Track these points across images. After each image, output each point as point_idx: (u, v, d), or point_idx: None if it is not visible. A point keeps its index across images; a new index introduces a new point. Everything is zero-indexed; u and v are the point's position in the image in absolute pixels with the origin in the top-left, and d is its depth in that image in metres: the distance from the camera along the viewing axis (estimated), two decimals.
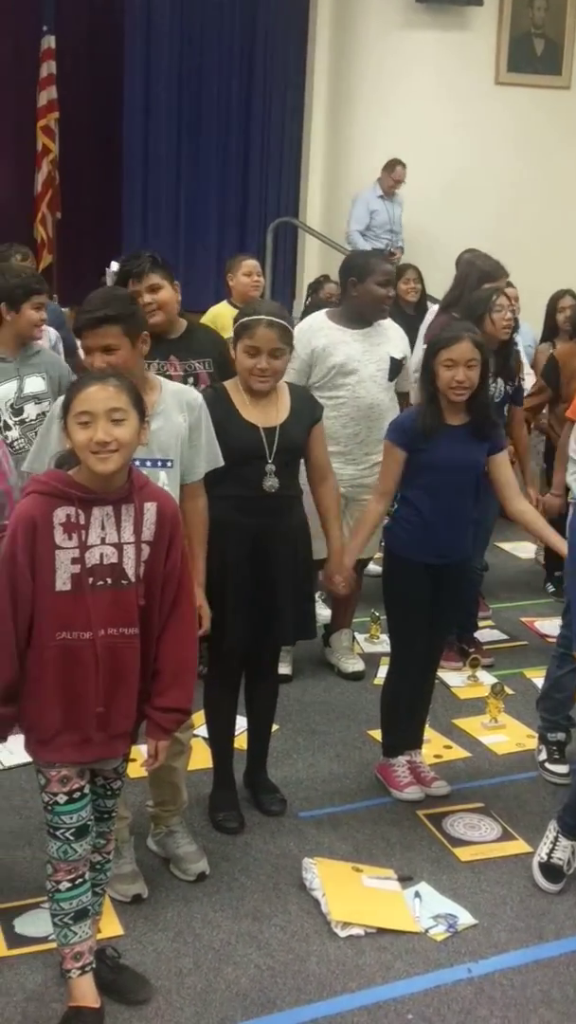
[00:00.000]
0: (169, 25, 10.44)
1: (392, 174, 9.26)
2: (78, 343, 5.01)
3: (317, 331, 4.38)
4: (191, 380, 3.63)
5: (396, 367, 4.47)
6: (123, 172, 10.70)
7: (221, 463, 3.13)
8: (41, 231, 10.28)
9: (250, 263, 6.06)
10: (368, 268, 4.34)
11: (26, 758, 2.65)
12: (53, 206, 10.38)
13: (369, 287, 4.32)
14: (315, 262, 10.64)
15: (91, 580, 2.43)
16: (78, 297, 7.02)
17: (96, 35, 10.64)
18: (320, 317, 4.54)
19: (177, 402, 3.02)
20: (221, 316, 5.92)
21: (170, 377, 3.54)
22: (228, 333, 3.84)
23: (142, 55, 10.44)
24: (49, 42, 10.06)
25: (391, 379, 4.46)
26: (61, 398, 2.69)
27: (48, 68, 10.08)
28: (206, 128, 10.93)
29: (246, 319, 3.28)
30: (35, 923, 2.95)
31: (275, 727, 3.81)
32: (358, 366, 4.34)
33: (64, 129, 10.40)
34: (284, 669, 4.27)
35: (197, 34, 10.67)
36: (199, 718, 3.58)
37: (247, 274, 5.91)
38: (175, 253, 10.36)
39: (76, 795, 2.52)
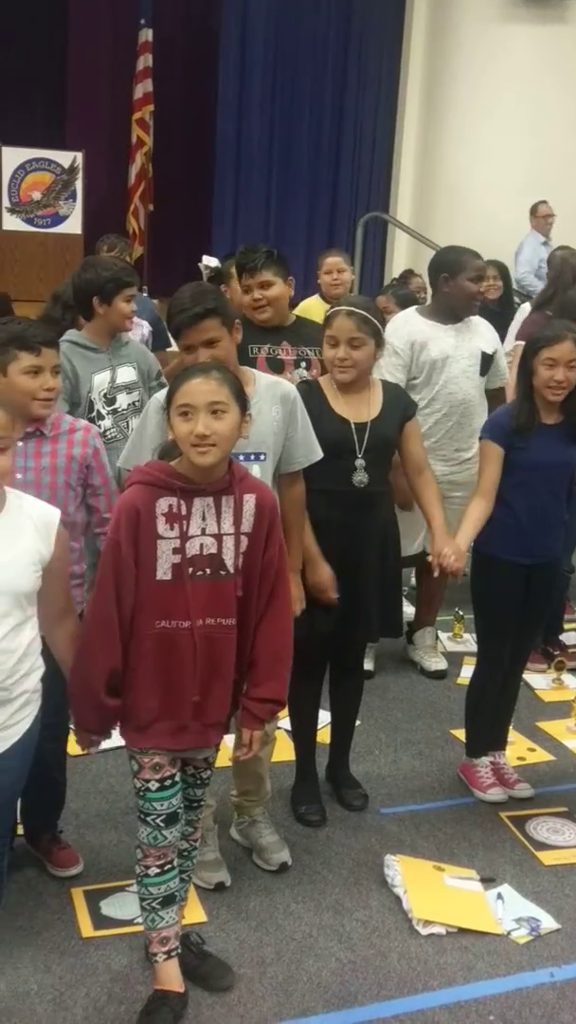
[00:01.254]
0: (265, 19, 10.50)
1: (538, 214, 9.12)
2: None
3: (408, 327, 4.37)
4: (303, 364, 3.66)
5: (487, 362, 4.45)
6: (215, 165, 10.79)
7: (319, 456, 3.13)
8: (133, 223, 10.41)
9: (331, 260, 6.06)
10: (460, 264, 4.33)
11: (113, 743, 2.69)
12: (145, 198, 10.50)
13: (461, 283, 4.31)
14: (403, 257, 10.62)
15: (191, 570, 2.46)
16: (167, 288, 7.08)
17: (192, 29, 10.74)
18: (411, 313, 4.54)
19: (271, 395, 3.03)
20: (311, 310, 5.93)
21: (282, 362, 3.58)
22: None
23: (237, 49, 10.52)
24: (146, 35, 10.18)
25: (482, 374, 4.44)
26: (163, 391, 2.73)
27: (145, 61, 10.20)
28: (298, 122, 10.98)
29: (328, 311, 3.35)
30: (121, 906, 3.00)
31: (357, 723, 3.82)
32: (450, 361, 4.33)
33: (158, 122, 10.50)
34: (367, 665, 4.26)
35: (292, 28, 10.71)
36: (280, 712, 3.60)
37: (328, 272, 5.95)
38: (266, 243, 10.39)
39: (167, 783, 2.55)
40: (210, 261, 5.37)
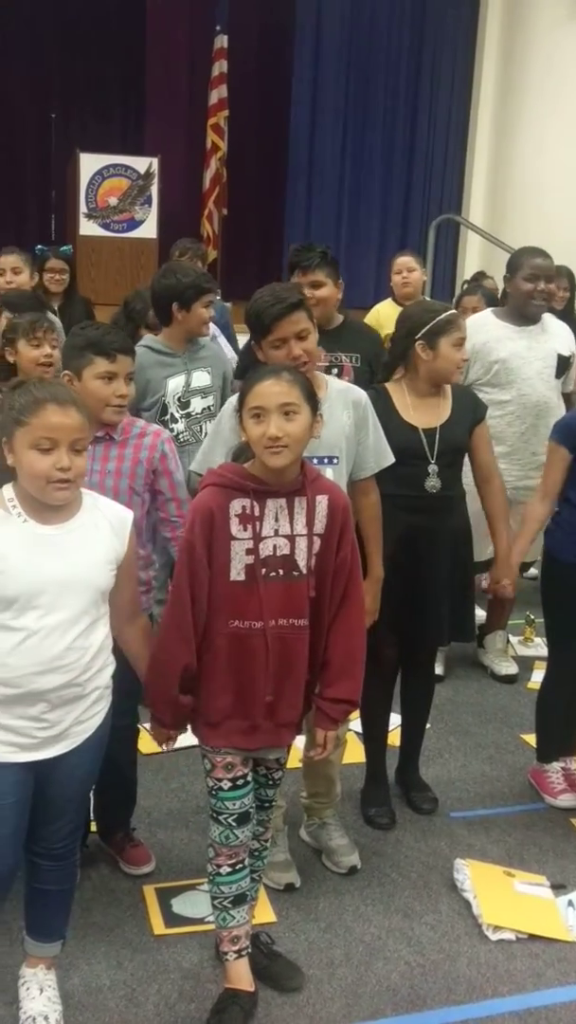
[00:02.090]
0: (339, 23, 10.53)
1: None
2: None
3: (479, 328, 4.35)
4: (335, 372, 3.65)
5: (563, 364, 4.40)
6: (288, 169, 10.81)
7: (390, 460, 3.14)
8: (207, 227, 10.47)
9: (401, 260, 6.07)
10: (517, 263, 4.34)
11: (184, 742, 2.72)
12: (220, 203, 10.56)
13: (517, 282, 4.31)
14: (476, 259, 10.55)
15: (264, 571, 2.48)
16: (241, 292, 7.12)
17: (267, 34, 10.78)
18: (485, 314, 4.54)
19: (343, 400, 3.04)
20: (383, 314, 5.94)
21: None
22: (388, 330, 3.87)
23: (311, 54, 10.55)
24: (222, 41, 10.24)
25: (558, 376, 4.39)
26: (235, 396, 2.76)
27: (220, 67, 10.26)
28: (371, 125, 10.98)
29: (449, 314, 3.31)
30: (192, 904, 3.03)
31: (427, 726, 3.81)
32: (522, 363, 4.30)
33: (232, 127, 10.57)
34: (437, 669, 4.25)
35: (365, 32, 10.71)
36: (353, 712, 3.61)
37: (397, 272, 5.95)
38: (336, 250, 10.36)
39: (240, 782, 2.57)
40: None
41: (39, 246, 6.07)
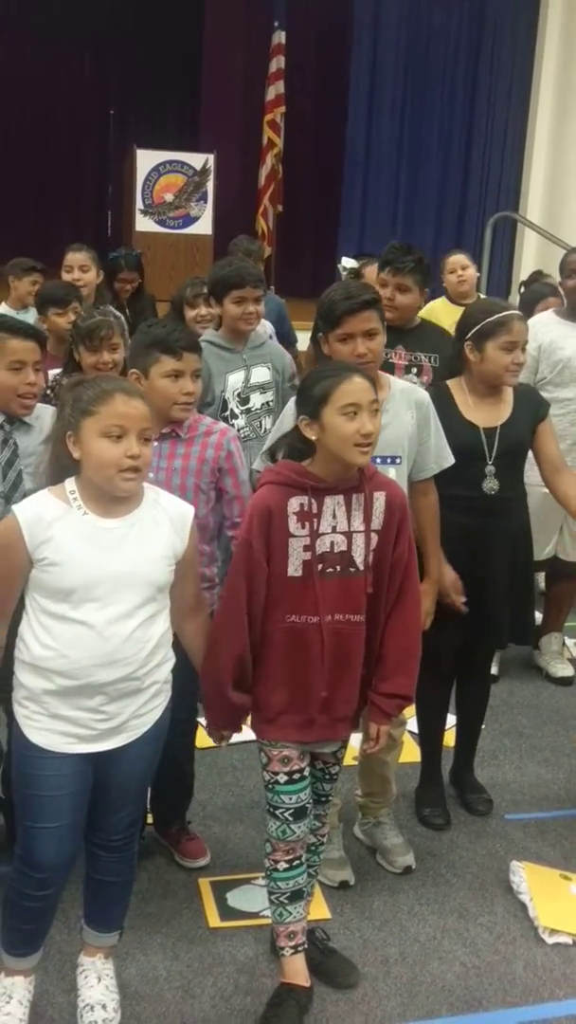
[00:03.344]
0: (396, 19, 10.48)
1: None
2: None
3: (544, 327, 4.33)
4: (414, 371, 3.64)
5: None
6: (344, 166, 10.79)
7: (450, 462, 3.12)
8: (262, 223, 10.50)
9: (454, 259, 6.03)
10: (568, 262, 4.32)
11: (239, 738, 2.72)
12: (275, 199, 10.58)
13: (566, 282, 4.30)
14: (532, 257, 10.45)
15: (321, 567, 2.48)
16: (295, 288, 7.08)
17: (324, 30, 10.77)
18: (547, 313, 4.51)
19: (405, 400, 3.03)
20: (437, 312, 5.90)
21: (393, 365, 3.57)
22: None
23: (368, 49, 10.52)
24: (279, 37, 10.26)
25: None
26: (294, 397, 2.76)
27: (277, 63, 10.28)
28: (428, 122, 10.93)
29: (500, 316, 3.23)
30: (247, 898, 3.04)
31: (482, 727, 3.78)
32: None
33: (288, 123, 10.57)
34: (491, 669, 4.23)
35: (424, 28, 10.66)
36: (409, 711, 3.59)
37: (451, 271, 5.91)
38: None
39: (296, 776, 2.58)
40: (348, 262, 5.42)
41: (112, 253, 6.12)
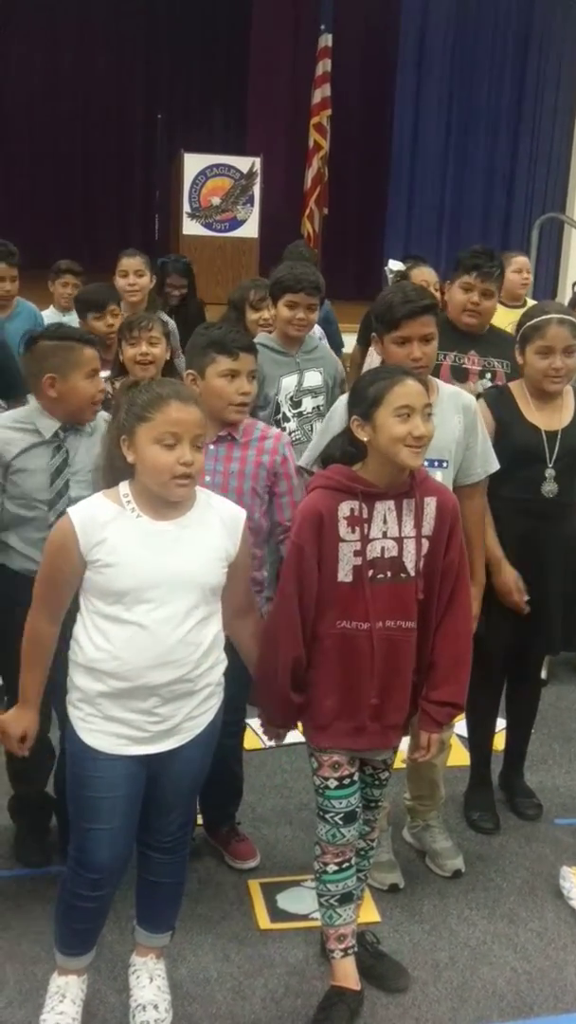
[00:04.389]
0: (444, 21, 10.45)
1: None
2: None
3: None
4: (488, 376, 3.63)
5: None
6: (390, 169, 10.78)
7: (495, 467, 3.12)
8: (308, 226, 10.51)
9: (520, 260, 5.97)
10: None
11: (288, 739, 2.74)
12: (320, 202, 10.59)
13: None
14: None
15: (371, 573, 2.48)
16: (340, 291, 7.07)
17: (371, 33, 10.77)
18: None
19: (453, 404, 3.03)
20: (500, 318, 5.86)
21: (467, 371, 3.56)
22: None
23: (415, 52, 10.51)
24: (326, 40, 10.27)
25: None
26: (344, 396, 2.76)
27: (324, 66, 10.29)
28: (475, 124, 10.89)
29: (536, 320, 3.23)
30: (297, 900, 3.06)
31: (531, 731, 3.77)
32: None
33: (335, 126, 10.57)
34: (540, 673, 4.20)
35: (471, 30, 10.61)
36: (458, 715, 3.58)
37: (517, 271, 5.83)
38: (436, 249, 10.37)
39: (346, 781, 2.58)
40: (395, 265, 5.40)
41: (161, 259, 6.17)
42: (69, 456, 2.88)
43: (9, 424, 2.92)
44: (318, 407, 3.87)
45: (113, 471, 2.38)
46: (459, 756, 3.65)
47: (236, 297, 4.61)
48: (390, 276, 5.42)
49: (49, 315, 5.54)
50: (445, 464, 2.99)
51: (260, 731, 2.76)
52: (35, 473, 2.85)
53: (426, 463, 2.88)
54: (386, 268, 5.76)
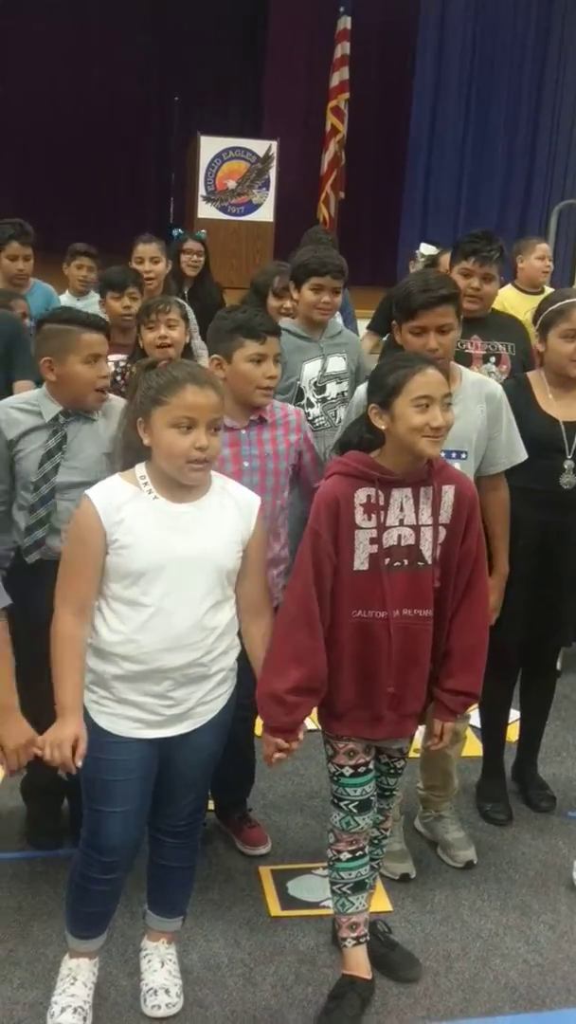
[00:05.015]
0: (465, 4, 10.35)
1: None
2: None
3: None
4: (492, 359, 3.60)
5: None
6: (407, 153, 10.71)
7: (522, 457, 3.08)
8: (324, 211, 10.46)
9: (543, 246, 5.92)
10: None
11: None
12: (337, 186, 10.53)
13: None
14: None
15: (388, 561, 2.46)
16: (356, 277, 7.06)
17: (391, 16, 10.68)
18: None
19: (476, 392, 3.00)
20: (505, 300, 5.82)
21: (470, 356, 3.53)
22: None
23: (435, 35, 10.43)
24: (345, 23, 10.20)
25: None
26: (365, 383, 2.73)
27: (342, 49, 10.23)
28: (495, 109, 10.82)
29: (560, 304, 3.20)
30: (308, 888, 3.05)
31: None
32: None
33: (352, 110, 10.51)
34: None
35: (492, 12, 10.53)
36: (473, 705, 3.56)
37: (540, 257, 5.79)
38: (453, 234, 10.27)
39: (361, 769, 2.57)
40: (427, 248, 5.37)
41: (176, 230, 6.13)
42: (67, 441, 2.86)
43: (16, 405, 2.94)
44: (342, 393, 3.83)
45: (130, 452, 2.36)
46: (472, 747, 3.63)
47: (259, 281, 4.56)
48: (420, 260, 5.39)
49: (65, 299, 5.52)
50: (464, 455, 2.95)
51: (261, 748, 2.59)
52: (30, 455, 2.86)
53: (444, 454, 2.85)
54: (418, 251, 5.73)
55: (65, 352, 2.83)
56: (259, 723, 3.19)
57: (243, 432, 2.85)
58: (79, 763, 2.30)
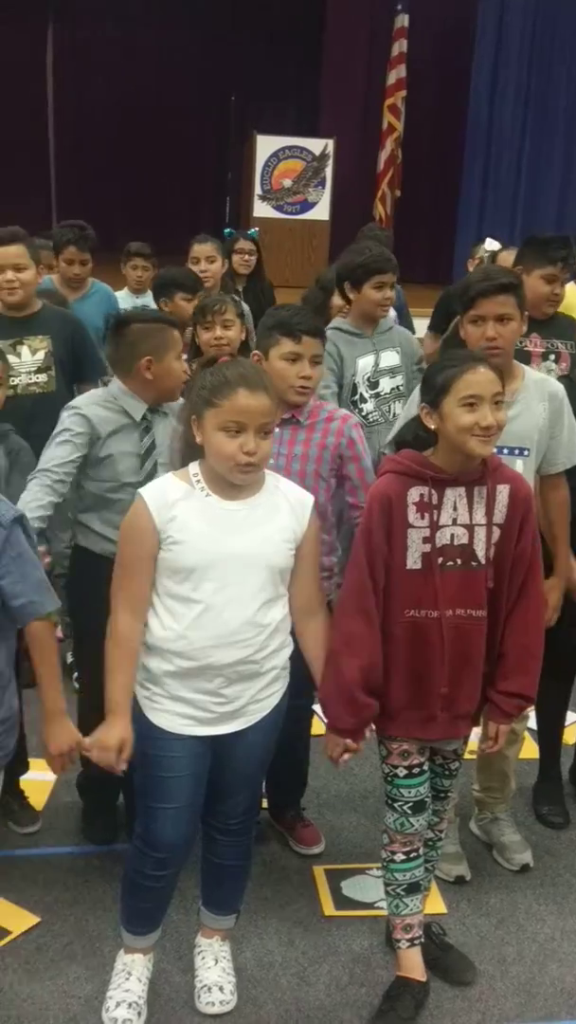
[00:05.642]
0: (523, 3, 10.25)
1: None
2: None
3: None
4: (552, 357, 3.57)
5: None
6: (464, 151, 10.64)
7: None
8: (380, 208, 10.42)
9: None
10: None
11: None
12: (393, 184, 10.49)
13: None
14: None
15: (441, 560, 2.44)
16: (412, 275, 6.99)
17: (448, 13, 10.61)
18: None
19: (539, 391, 2.96)
20: (568, 296, 5.75)
21: (529, 354, 3.50)
22: (573, 314, 3.77)
23: (493, 33, 10.35)
24: (402, 21, 10.16)
25: None
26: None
27: (400, 47, 10.19)
28: (552, 105, 10.71)
29: None
30: (362, 889, 3.04)
31: None
32: None
33: (409, 107, 10.46)
34: None
35: (551, 10, 10.41)
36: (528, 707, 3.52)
37: None
38: (511, 232, 10.20)
39: (415, 771, 2.55)
40: (491, 245, 5.35)
41: (228, 229, 6.15)
42: (156, 439, 2.89)
43: (100, 403, 2.95)
44: (397, 387, 3.82)
45: (188, 450, 2.36)
46: (528, 749, 3.59)
47: (327, 278, 4.55)
48: (484, 255, 5.39)
49: (122, 297, 5.56)
50: (526, 452, 2.92)
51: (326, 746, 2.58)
52: (125, 456, 2.88)
53: (506, 451, 2.83)
54: (482, 246, 5.72)
55: (164, 350, 2.89)
56: (316, 723, 3.23)
57: (275, 429, 2.84)
58: (123, 766, 2.34)
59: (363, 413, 3.62)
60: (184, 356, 3.50)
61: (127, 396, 2.92)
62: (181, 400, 2.90)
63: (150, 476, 2.84)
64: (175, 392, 2.93)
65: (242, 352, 3.58)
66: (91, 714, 2.58)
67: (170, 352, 2.90)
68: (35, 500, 2.80)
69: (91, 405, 2.94)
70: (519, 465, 2.85)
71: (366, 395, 3.79)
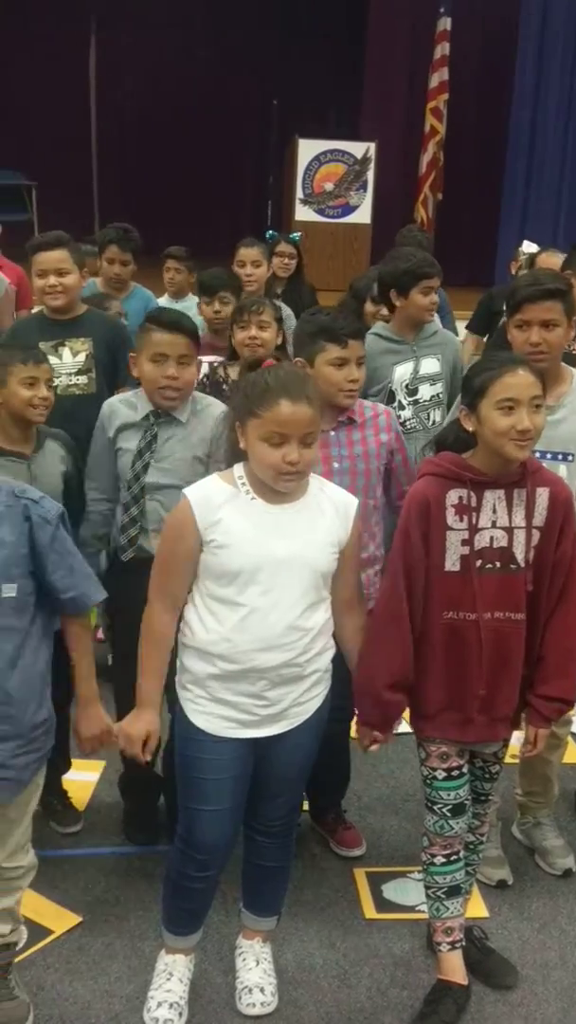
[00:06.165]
0: (566, 4, 10.16)
1: None
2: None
3: None
4: None
5: None
6: (507, 154, 10.57)
7: None
8: (422, 212, 10.39)
9: None
10: None
11: (395, 729, 2.69)
12: (436, 187, 10.45)
13: None
14: None
15: (479, 563, 2.43)
16: (454, 278, 6.98)
17: (491, 16, 10.56)
18: None
19: None
20: None
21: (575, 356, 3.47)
22: None
23: (536, 36, 10.26)
24: (445, 24, 10.11)
25: None
26: None
27: (442, 50, 10.14)
28: None
29: None
30: (403, 891, 3.03)
31: None
32: None
33: (451, 110, 10.42)
34: None
35: None
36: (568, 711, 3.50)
37: None
38: (553, 236, 10.12)
39: (455, 773, 2.55)
40: (529, 247, 5.33)
41: (269, 231, 6.16)
42: (157, 441, 2.93)
43: (121, 399, 3.09)
44: (437, 395, 3.80)
45: (234, 452, 2.37)
46: (572, 753, 3.57)
47: (359, 286, 4.55)
48: (521, 259, 5.37)
49: (164, 301, 5.59)
50: (570, 457, 2.90)
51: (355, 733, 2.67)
52: (126, 452, 2.98)
53: (549, 456, 2.82)
54: (520, 249, 5.70)
55: (140, 351, 2.94)
56: (354, 725, 3.22)
57: (332, 434, 2.86)
58: (148, 757, 2.41)
59: (401, 420, 3.61)
60: (217, 359, 3.55)
61: (141, 395, 3.01)
62: (207, 403, 3.00)
63: (137, 476, 2.92)
64: (152, 395, 2.95)
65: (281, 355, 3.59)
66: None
67: (143, 354, 2.93)
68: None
69: (113, 401, 3.09)
70: (562, 470, 2.83)
71: (404, 402, 3.77)
